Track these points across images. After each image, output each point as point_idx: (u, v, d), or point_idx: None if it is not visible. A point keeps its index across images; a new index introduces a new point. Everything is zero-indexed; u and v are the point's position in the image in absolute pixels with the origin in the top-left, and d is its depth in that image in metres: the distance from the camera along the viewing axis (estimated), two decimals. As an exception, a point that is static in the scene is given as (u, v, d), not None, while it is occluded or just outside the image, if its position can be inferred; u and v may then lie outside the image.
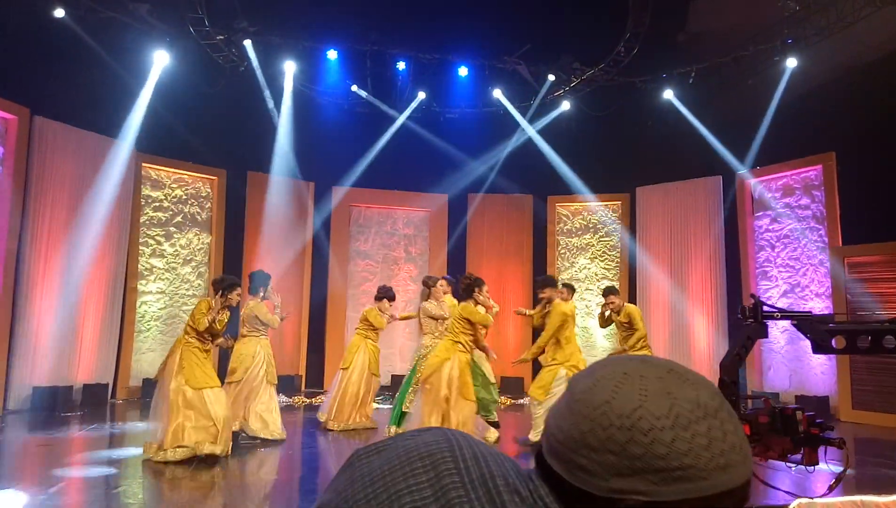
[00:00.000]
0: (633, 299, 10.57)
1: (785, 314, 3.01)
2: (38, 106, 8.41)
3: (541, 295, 6.67)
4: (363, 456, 0.74)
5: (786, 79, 9.48)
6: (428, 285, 7.20)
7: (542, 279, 6.96)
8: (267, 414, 6.56)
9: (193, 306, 5.91)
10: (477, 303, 6.19)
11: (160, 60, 9.52)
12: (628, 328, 7.02)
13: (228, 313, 5.97)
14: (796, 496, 3.42)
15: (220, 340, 6.09)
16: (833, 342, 2.85)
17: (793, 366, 9.63)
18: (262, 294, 6.81)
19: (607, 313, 7.18)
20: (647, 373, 0.65)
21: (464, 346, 5.94)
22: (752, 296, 2.94)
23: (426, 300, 7.18)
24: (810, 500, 4.26)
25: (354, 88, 11.39)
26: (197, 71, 9.96)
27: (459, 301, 6.33)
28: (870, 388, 8.45)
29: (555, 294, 6.58)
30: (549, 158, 11.77)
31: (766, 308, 3.02)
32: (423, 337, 7.15)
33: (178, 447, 5.35)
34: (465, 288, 6.13)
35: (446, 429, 0.76)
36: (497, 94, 11.62)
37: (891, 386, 8.24)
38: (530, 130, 11.81)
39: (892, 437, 7.39)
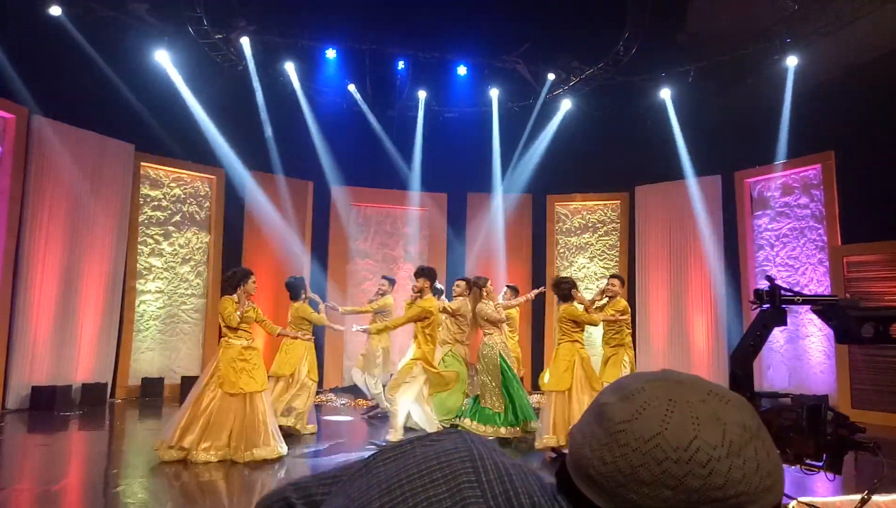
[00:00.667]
0: (632, 299, 10.57)
1: (807, 299, 2.58)
2: (37, 105, 8.39)
3: (414, 286, 6.71)
4: (380, 461, 0.72)
5: (785, 78, 9.48)
6: (478, 285, 7.11)
7: (419, 268, 6.77)
8: (303, 410, 6.97)
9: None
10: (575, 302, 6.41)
11: (159, 59, 9.51)
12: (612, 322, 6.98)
13: (254, 304, 5.97)
14: (791, 497, 3.39)
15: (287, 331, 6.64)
16: (861, 331, 2.50)
17: (792, 365, 9.63)
18: (303, 297, 7.24)
19: (601, 300, 7.09)
20: (691, 398, 0.63)
21: (581, 343, 6.27)
22: (769, 278, 2.46)
23: (479, 302, 7.02)
24: (810, 500, 4.26)
25: (351, 87, 11.38)
26: (195, 70, 9.95)
27: (560, 303, 6.43)
28: (869, 387, 8.46)
29: (426, 287, 6.53)
30: (549, 157, 11.77)
31: (784, 292, 2.59)
32: (486, 337, 6.96)
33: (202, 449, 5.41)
34: (563, 293, 6.31)
35: (466, 435, 0.74)
36: (494, 93, 11.62)
37: (890, 385, 8.25)
38: (529, 129, 11.81)
39: (892, 436, 7.39)
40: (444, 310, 7.10)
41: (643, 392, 0.64)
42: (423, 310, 6.37)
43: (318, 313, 7.36)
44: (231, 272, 6.09)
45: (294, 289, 7.27)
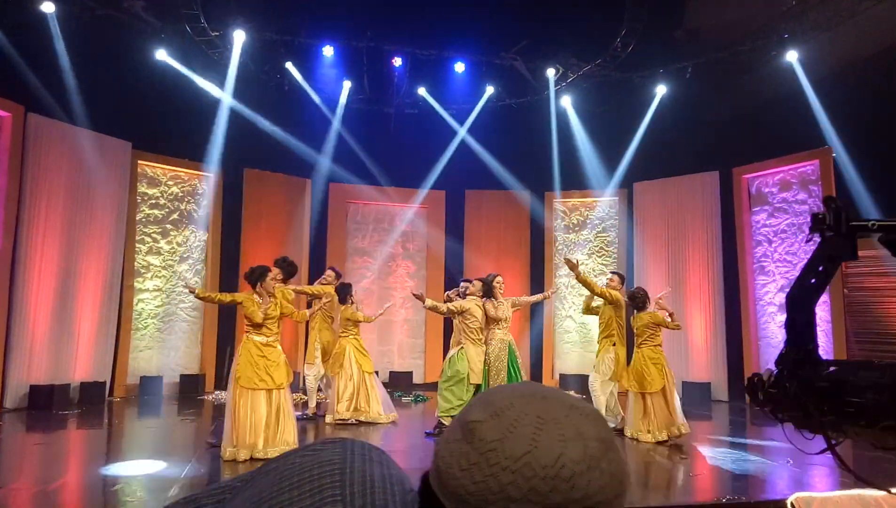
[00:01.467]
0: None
1: (883, 224, 2.04)
2: (33, 103, 8.37)
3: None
4: (263, 472, 0.74)
5: (783, 74, 9.47)
6: (486, 282, 7.11)
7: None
8: (363, 402, 7.48)
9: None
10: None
11: (155, 57, 9.49)
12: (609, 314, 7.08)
13: (275, 300, 5.95)
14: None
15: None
16: None
17: (790, 361, 9.63)
18: (349, 301, 7.81)
19: (594, 301, 7.21)
20: (558, 414, 0.66)
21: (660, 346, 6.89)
22: (831, 200, 1.99)
23: (488, 300, 7.05)
24: (808, 495, 4.27)
25: (348, 84, 11.35)
26: (192, 67, 9.93)
27: (637, 312, 6.89)
28: (867, 382, 8.47)
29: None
30: (547, 154, 11.76)
31: (854, 221, 2.04)
32: (491, 332, 7.03)
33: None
34: (641, 303, 6.90)
35: (350, 444, 0.76)
36: (490, 90, 11.62)
37: (888, 380, 8.25)
38: (527, 126, 11.80)
39: (890, 431, 7.40)
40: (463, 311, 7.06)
41: (513, 409, 0.66)
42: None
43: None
44: (249, 270, 6.10)
45: (342, 293, 7.84)
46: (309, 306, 8.40)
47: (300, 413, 7.96)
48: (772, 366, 1.99)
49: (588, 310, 7.50)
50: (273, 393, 5.71)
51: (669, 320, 6.90)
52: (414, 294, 7.19)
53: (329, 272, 8.16)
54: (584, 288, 7.30)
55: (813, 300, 2.13)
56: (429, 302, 7.00)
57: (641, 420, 6.64)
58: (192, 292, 6.05)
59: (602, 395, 6.72)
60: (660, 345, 6.85)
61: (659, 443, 6.49)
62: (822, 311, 9.28)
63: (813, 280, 2.12)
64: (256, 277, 5.91)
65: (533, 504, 0.62)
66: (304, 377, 8.33)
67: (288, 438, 5.73)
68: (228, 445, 5.52)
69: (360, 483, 0.69)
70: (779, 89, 9.56)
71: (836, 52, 8.90)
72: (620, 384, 7.05)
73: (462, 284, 7.64)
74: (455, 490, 0.65)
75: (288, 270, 6.61)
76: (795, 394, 1.81)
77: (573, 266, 6.73)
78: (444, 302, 7.23)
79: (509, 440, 0.64)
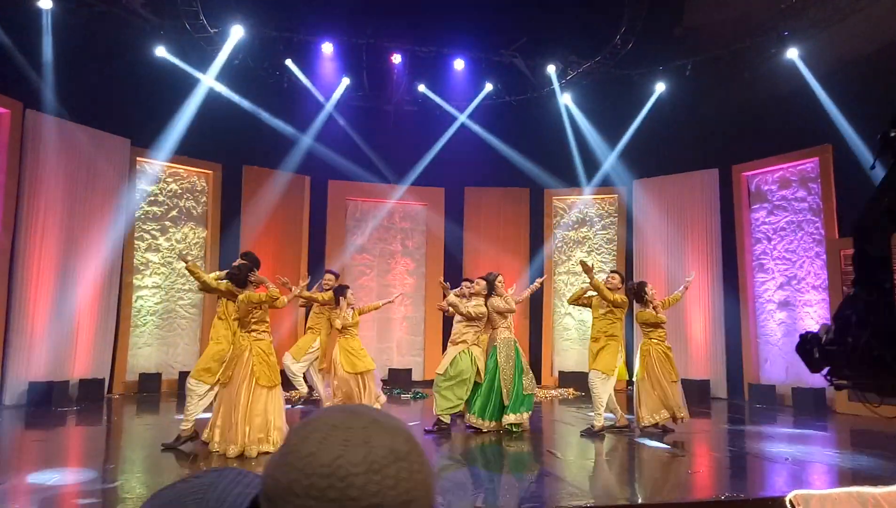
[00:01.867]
0: (628, 292, 10.58)
1: None
2: (32, 100, 8.35)
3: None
4: (157, 495, 0.82)
5: (782, 71, 9.46)
6: (488, 280, 7.07)
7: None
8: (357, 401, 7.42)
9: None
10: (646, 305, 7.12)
11: (154, 54, 9.47)
12: (606, 313, 7.05)
13: (262, 295, 5.81)
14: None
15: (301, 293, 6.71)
16: None
17: (789, 359, 9.65)
18: (343, 304, 7.73)
19: (589, 292, 7.23)
20: (354, 424, 0.74)
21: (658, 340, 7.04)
22: None
23: (492, 297, 7.02)
24: (806, 492, 4.28)
25: (348, 81, 11.33)
26: (191, 65, 9.91)
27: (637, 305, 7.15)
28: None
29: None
30: (546, 151, 11.76)
31: None
32: (496, 331, 7.01)
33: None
34: (637, 296, 7.12)
35: (230, 470, 0.83)
36: (489, 87, 11.60)
37: (890, 378, 8.26)
38: (527, 123, 11.79)
39: (888, 429, 7.42)
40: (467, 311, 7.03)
41: (319, 420, 0.75)
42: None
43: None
44: (236, 269, 6.01)
45: (335, 297, 7.79)
46: (307, 312, 8.54)
47: (289, 406, 8.02)
48: (826, 322, 1.56)
49: (577, 300, 7.36)
50: (263, 391, 5.60)
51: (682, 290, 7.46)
52: (441, 282, 7.39)
53: (329, 277, 8.12)
54: (582, 285, 7.28)
55: (888, 230, 1.78)
56: (451, 299, 7.00)
57: (643, 406, 6.76)
58: (184, 261, 5.93)
59: (603, 394, 6.69)
60: (663, 338, 7.06)
61: (659, 426, 6.69)
62: (822, 309, 9.29)
63: (889, 203, 1.74)
64: (244, 276, 5.80)
65: (313, 500, 0.70)
66: (287, 367, 8.24)
67: (277, 436, 5.59)
68: (215, 439, 5.49)
69: (216, 500, 0.78)
70: (778, 87, 9.55)
71: (836, 48, 8.89)
72: (621, 380, 7.22)
73: (463, 284, 7.59)
74: (265, 490, 0.74)
75: (257, 264, 6.59)
76: (867, 346, 1.49)
77: (588, 269, 6.65)
78: (447, 302, 7.17)
79: (304, 443, 0.73)
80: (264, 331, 5.78)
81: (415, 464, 0.74)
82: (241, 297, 5.65)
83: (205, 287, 6.13)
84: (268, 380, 5.63)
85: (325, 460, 0.71)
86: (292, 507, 0.71)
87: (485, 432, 6.70)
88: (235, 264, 6.08)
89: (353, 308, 7.74)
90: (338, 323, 7.44)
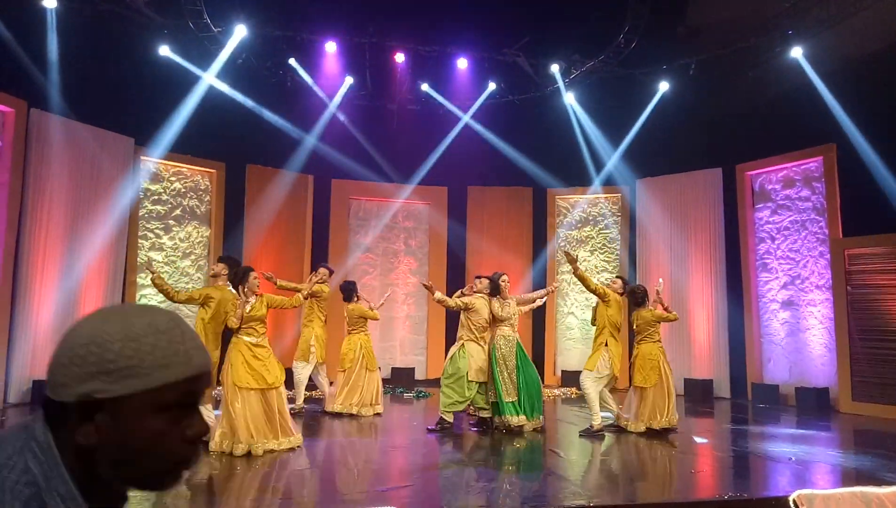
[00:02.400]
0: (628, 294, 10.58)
1: None
2: (36, 99, 8.36)
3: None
4: None
5: (786, 70, 9.43)
6: (492, 280, 7.10)
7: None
8: (368, 395, 7.73)
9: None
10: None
11: (158, 53, 9.49)
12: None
13: (260, 300, 5.90)
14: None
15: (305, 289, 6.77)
16: None
17: (793, 358, 9.63)
18: (356, 298, 8.05)
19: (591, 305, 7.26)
20: (128, 310, 0.86)
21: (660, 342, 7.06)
22: None
23: (495, 298, 7.04)
24: (810, 492, 4.27)
25: (351, 80, 11.33)
26: (195, 64, 9.92)
27: (636, 308, 7.09)
28: (870, 380, 8.46)
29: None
30: (549, 151, 11.74)
31: None
32: (497, 329, 7.02)
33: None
34: (640, 300, 7.09)
35: (24, 435, 0.86)
36: (493, 86, 11.60)
37: (890, 378, 8.25)
38: (530, 122, 11.78)
39: (892, 429, 7.40)
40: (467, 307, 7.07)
41: (96, 314, 0.86)
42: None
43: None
44: (232, 272, 6.08)
45: (347, 292, 8.03)
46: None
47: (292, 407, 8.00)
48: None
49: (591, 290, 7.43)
50: (267, 392, 5.69)
51: (666, 312, 7.05)
52: (424, 284, 7.26)
53: (323, 270, 8.01)
54: (585, 287, 7.24)
55: None
56: (438, 295, 7.04)
57: (639, 412, 6.78)
58: (150, 271, 6.13)
59: (594, 393, 6.71)
60: (659, 341, 6.99)
61: (651, 431, 6.64)
62: (825, 309, 9.26)
63: None
64: (240, 277, 5.89)
65: (76, 367, 0.81)
66: (295, 372, 8.25)
67: (288, 433, 5.74)
68: (223, 439, 5.54)
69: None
70: (782, 86, 9.52)
71: (841, 47, 8.86)
72: (619, 381, 7.18)
73: (476, 281, 7.60)
74: (48, 379, 0.85)
75: (238, 264, 6.64)
76: None
77: (572, 260, 6.75)
78: (435, 299, 7.20)
79: (72, 327, 0.85)
80: (262, 333, 5.90)
81: (176, 337, 0.85)
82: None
83: (181, 302, 6.33)
84: (274, 379, 5.75)
85: (85, 331, 0.83)
86: (60, 377, 0.82)
87: (521, 431, 6.70)
88: (231, 271, 6.24)
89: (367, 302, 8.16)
90: (374, 312, 7.94)
